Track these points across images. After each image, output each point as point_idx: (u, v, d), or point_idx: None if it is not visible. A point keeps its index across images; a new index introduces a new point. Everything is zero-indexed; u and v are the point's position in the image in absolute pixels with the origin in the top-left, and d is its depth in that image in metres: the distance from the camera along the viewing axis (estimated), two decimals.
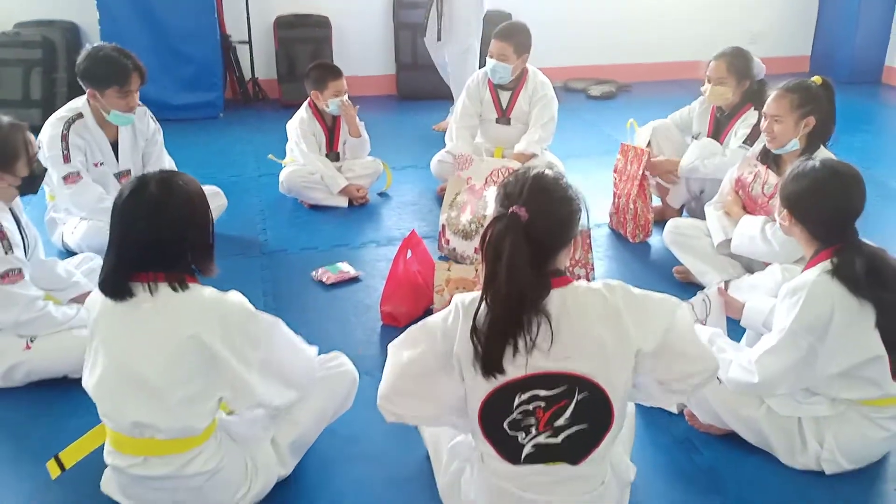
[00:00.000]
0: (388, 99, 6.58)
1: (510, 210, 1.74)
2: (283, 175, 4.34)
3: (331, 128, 4.42)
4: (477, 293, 1.82)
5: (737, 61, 3.84)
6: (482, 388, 1.80)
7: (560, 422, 1.81)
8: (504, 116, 4.46)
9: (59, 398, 2.68)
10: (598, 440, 1.84)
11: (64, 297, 2.86)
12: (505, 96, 4.44)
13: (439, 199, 4.40)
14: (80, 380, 2.61)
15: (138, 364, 1.95)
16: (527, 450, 1.83)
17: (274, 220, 4.17)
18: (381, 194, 4.52)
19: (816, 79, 3.19)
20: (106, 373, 2.00)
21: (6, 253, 2.55)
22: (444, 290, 3.02)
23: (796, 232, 2.31)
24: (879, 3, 6.82)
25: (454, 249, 3.61)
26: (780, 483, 2.29)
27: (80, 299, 2.88)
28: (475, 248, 3.55)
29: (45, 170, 2.77)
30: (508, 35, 4.26)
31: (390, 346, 1.96)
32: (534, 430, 1.82)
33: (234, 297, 2.03)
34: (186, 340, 1.92)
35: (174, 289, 1.96)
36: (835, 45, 7.12)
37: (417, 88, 6.47)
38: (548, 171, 1.84)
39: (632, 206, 3.84)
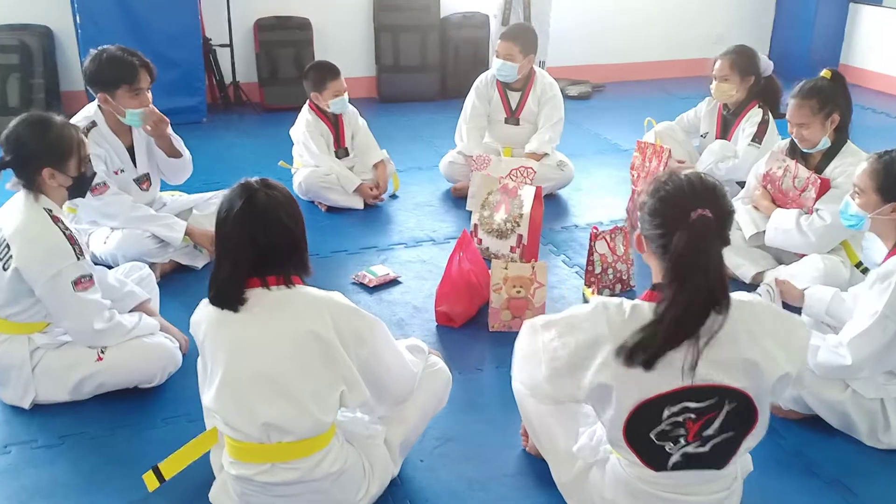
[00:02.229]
0: (370, 101, 6.55)
1: (697, 214, 1.72)
2: (299, 178, 4.29)
3: (335, 125, 4.39)
4: (620, 299, 1.85)
5: (740, 59, 3.98)
6: (631, 398, 1.80)
7: (709, 432, 1.83)
8: (513, 117, 4.51)
9: (135, 409, 2.61)
10: (741, 443, 1.89)
11: (120, 307, 2.77)
12: (514, 97, 4.49)
13: (455, 199, 4.43)
14: (149, 389, 2.61)
15: (262, 364, 1.94)
16: (674, 459, 1.86)
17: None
18: (392, 196, 4.51)
19: (825, 73, 3.34)
20: (228, 381, 1.97)
21: (78, 258, 2.46)
22: (503, 289, 3.05)
23: (892, 219, 2.38)
24: (834, 5, 7.14)
25: (487, 248, 3.64)
26: (868, 461, 2.40)
27: (140, 309, 2.81)
28: (511, 247, 3.59)
29: (95, 173, 2.68)
30: (515, 36, 4.32)
31: (527, 324, 2.04)
32: (682, 441, 1.84)
33: (339, 295, 2.05)
34: (305, 335, 1.93)
35: (287, 288, 1.97)
36: (792, 43, 7.42)
37: (398, 90, 6.47)
38: (689, 171, 1.89)
39: None
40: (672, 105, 6.52)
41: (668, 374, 1.77)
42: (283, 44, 6.15)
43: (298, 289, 2.00)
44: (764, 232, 3.43)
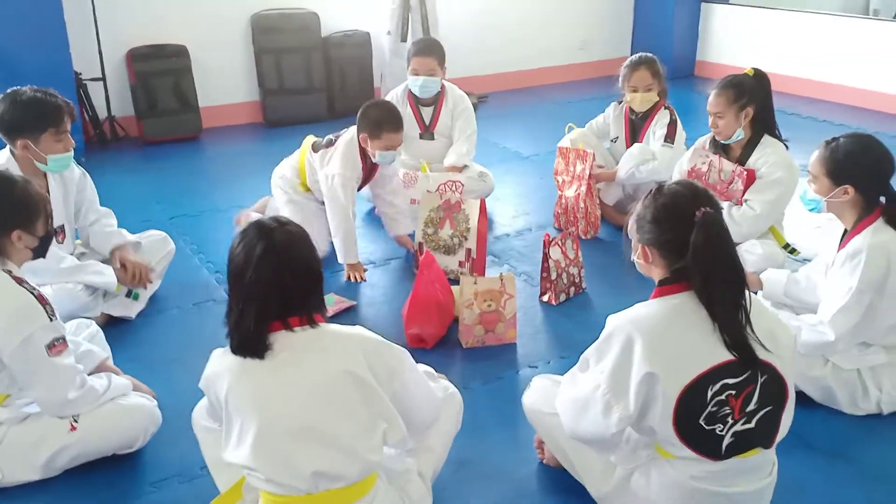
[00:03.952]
0: (256, 126, 6.36)
1: (701, 212, 1.86)
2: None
3: (368, 172, 3.85)
4: (638, 311, 1.95)
5: (657, 66, 4.14)
6: (677, 383, 1.87)
7: (751, 406, 1.92)
8: (427, 131, 4.51)
9: (117, 478, 2.41)
10: (780, 418, 1.98)
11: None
12: (427, 112, 4.48)
13: (379, 219, 4.36)
14: (127, 455, 2.40)
15: (299, 413, 1.84)
16: (727, 440, 1.92)
17: (218, 261, 3.91)
18: None
19: (749, 70, 3.56)
20: (265, 435, 1.84)
21: (51, 319, 2.24)
22: (474, 304, 3.03)
23: (845, 201, 2.56)
24: (687, 6, 7.61)
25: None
26: (855, 429, 2.57)
27: (102, 369, 2.59)
28: (460, 262, 3.58)
29: (55, 231, 2.46)
30: (432, 50, 4.33)
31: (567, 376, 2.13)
32: (730, 420, 1.91)
33: (363, 329, 1.98)
34: (340, 376, 1.85)
35: (312, 328, 1.89)
36: (651, 45, 7.72)
37: (285, 114, 6.31)
38: (672, 181, 2.05)
39: (582, 204, 4.04)
40: (554, 111, 6.76)
41: (706, 352, 1.87)
42: (160, 73, 5.85)
43: (323, 328, 1.91)
44: None
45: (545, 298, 3.43)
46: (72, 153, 3.07)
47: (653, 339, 1.89)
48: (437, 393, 2.16)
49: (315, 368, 1.86)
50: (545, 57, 7.67)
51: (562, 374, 2.38)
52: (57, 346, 2.25)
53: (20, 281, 2.26)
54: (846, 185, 2.52)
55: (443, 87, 4.47)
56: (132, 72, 5.79)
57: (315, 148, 3.83)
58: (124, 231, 3.41)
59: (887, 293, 2.45)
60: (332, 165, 3.67)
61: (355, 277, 3.69)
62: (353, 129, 3.69)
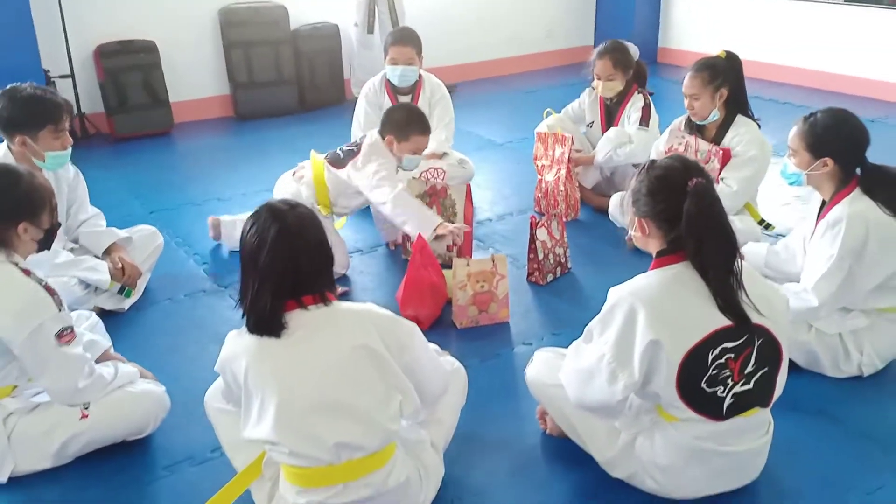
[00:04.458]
0: (228, 120, 6.34)
1: (694, 182, 1.95)
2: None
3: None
4: (639, 282, 2.05)
5: (620, 56, 4.23)
6: (679, 348, 1.97)
7: (749, 368, 2.03)
8: None
9: (128, 463, 2.44)
10: (776, 378, 2.08)
11: None
12: (404, 101, 4.53)
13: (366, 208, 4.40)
14: (135, 441, 2.43)
15: (320, 388, 1.90)
16: (727, 401, 2.03)
17: (203, 252, 3.93)
18: None
19: (721, 53, 3.68)
20: (286, 411, 1.90)
21: (60, 310, 2.25)
22: (467, 286, 3.10)
23: (825, 173, 2.67)
24: None
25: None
26: (837, 391, 2.70)
27: (105, 357, 2.61)
28: (447, 247, 3.64)
29: (60, 224, 2.47)
30: (410, 39, 4.38)
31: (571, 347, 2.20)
32: (730, 381, 2.02)
33: (374, 306, 2.06)
34: (355, 350, 1.92)
35: (325, 306, 1.95)
36: (613, 33, 7.82)
37: (256, 107, 6.30)
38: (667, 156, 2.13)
39: (562, 188, 4.13)
40: (523, 99, 6.85)
41: (705, 318, 1.98)
42: (129, 69, 5.80)
43: (336, 305, 1.98)
44: None
45: (533, 279, 3.51)
46: (69, 151, 3.08)
47: (655, 308, 1.98)
48: (445, 366, 2.23)
49: (331, 343, 1.92)
50: (511, 46, 7.75)
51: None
52: (66, 335, 2.27)
53: (28, 272, 2.28)
54: (825, 158, 2.64)
55: (420, 76, 4.52)
56: (101, 68, 5.74)
57: (335, 163, 3.65)
58: (115, 229, 3.41)
59: (866, 259, 2.58)
60: (370, 165, 3.51)
61: (454, 241, 3.42)
62: (372, 133, 3.64)
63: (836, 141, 2.62)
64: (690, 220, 1.95)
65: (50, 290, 2.26)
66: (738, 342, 2.00)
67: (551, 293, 3.46)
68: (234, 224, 3.84)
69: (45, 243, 2.40)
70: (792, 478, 2.30)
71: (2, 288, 2.23)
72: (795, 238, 2.99)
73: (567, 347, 2.48)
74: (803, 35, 6.80)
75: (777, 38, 6.99)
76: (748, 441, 2.12)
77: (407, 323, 2.06)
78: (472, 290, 3.11)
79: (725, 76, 3.57)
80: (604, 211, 4.20)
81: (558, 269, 3.57)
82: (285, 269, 1.90)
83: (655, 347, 1.96)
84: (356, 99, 6.50)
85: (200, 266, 3.78)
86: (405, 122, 3.53)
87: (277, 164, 5.11)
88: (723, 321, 1.97)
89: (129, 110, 5.84)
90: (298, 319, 1.93)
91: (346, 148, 3.70)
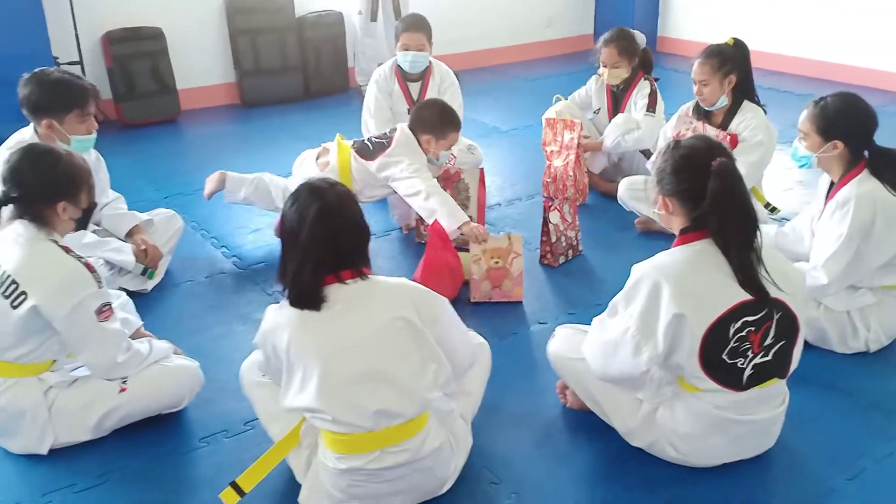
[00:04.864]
0: (233, 108, 6.40)
1: (717, 162, 2.04)
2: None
3: None
4: (663, 258, 2.13)
5: (625, 43, 4.31)
6: (703, 322, 2.06)
7: (768, 341, 2.12)
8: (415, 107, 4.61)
9: (165, 435, 2.52)
10: (793, 350, 2.18)
11: None
12: (414, 88, 4.60)
13: None
14: (169, 415, 2.51)
15: (361, 357, 1.99)
16: (748, 372, 2.13)
17: (220, 236, 4.00)
18: None
19: (729, 41, 3.76)
20: (329, 380, 1.98)
21: (99, 286, 2.33)
22: (482, 260, 3.20)
23: (834, 155, 2.76)
24: None
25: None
26: (845, 365, 2.81)
27: (138, 335, 2.69)
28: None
29: (96, 203, 2.53)
30: (420, 26, 4.44)
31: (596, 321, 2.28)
32: (750, 353, 2.11)
33: (407, 280, 2.15)
34: (393, 321, 2.01)
35: (363, 280, 2.04)
36: (613, 22, 7.92)
37: (262, 94, 6.36)
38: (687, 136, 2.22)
39: (571, 173, 4.21)
40: (524, 87, 6.94)
41: (728, 293, 2.07)
42: (137, 56, 5.86)
43: (373, 279, 2.07)
44: None
45: (546, 261, 3.60)
46: (94, 136, 3.13)
47: (679, 283, 2.07)
48: (472, 339, 2.31)
49: (370, 315, 2.01)
50: (513, 35, 7.83)
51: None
52: (105, 311, 2.35)
53: (68, 250, 2.35)
54: (835, 141, 2.73)
55: (430, 62, 4.59)
56: (108, 55, 5.79)
57: (363, 153, 3.70)
58: (136, 212, 3.48)
59: (873, 238, 2.68)
60: (404, 159, 3.57)
61: (476, 237, 3.31)
62: (402, 127, 3.68)
63: (845, 124, 2.71)
64: (714, 198, 2.04)
65: (90, 268, 2.33)
66: (758, 316, 2.09)
67: (564, 274, 3.55)
68: (240, 181, 3.85)
69: (82, 222, 2.47)
70: (805, 446, 2.40)
71: (44, 264, 2.30)
72: (803, 220, 3.08)
73: (577, 325, 2.59)
74: (802, 24, 6.90)
75: (776, 28, 7.08)
76: (765, 411, 2.22)
77: (439, 296, 2.15)
78: (485, 264, 3.20)
79: (734, 63, 3.65)
80: (611, 196, 4.29)
81: (570, 252, 3.66)
82: (325, 245, 1.98)
83: (680, 321, 2.05)
84: (360, 87, 6.66)
85: (219, 249, 3.85)
86: (441, 122, 3.60)
87: (286, 151, 5.20)
88: (744, 295, 2.07)
89: (137, 97, 5.90)
90: (337, 293, 2.01)
91: (375, 140, 3.73)
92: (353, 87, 6.78)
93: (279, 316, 2.05)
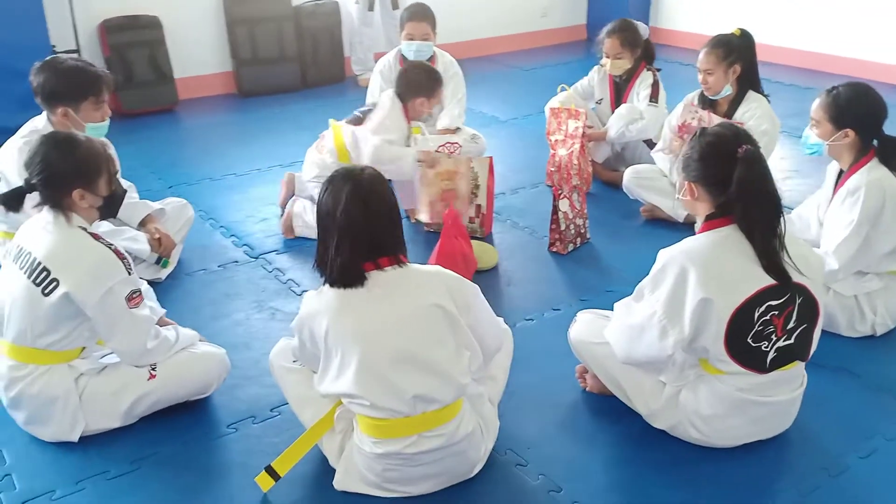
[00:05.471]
0: (231, 97, 6.39)
1: (743, 149, 2.10)
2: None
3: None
4: (689, 244, 2.19)
5: (628, 35, 4.35)
6: (728, 305, 2.12)
7: (791, 324, 2.19)
8: None
9: (193, 421, 2.55)
10: (813, 333, 2.25)
11: None
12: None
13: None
14: (195, 402, 2.54)
15: (400, 343, 2.03)
16: (771, 355, 2.19)
17: (229, 225, 4.02)
18: None
19: (735, 31, 3.83)
20: (368, 364, 2.02)
21: (129, 273, 2.35)
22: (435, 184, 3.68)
23: (846, 143, 2.81)
24: None
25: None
26: (854, 349, 2.89)
27: (162, 323, 2.71)
28: (470, 218, 3.77)
29: (126, 191, 2.55)
30: (425, 15, 4.47)
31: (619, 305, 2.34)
32: (773, 337, 2.18)
33: (441, 268, 2.19)
34: (430, 308, 2.05)
35: (400, 267, 2.08)
36: (606, 12, 8.02)
37: (259, 84, 6.36)
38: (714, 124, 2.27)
39: (575, 161, 4.26)
40: (521, 77, 6.97)
41: (753, 277, 2.13)
42: (135, 44, 5.84)
43: (410, 266, 2.11)
44: None
45: (555, 249, 3.66)
46: (108, 123, 3.14)
47: (706, 268, 2.12)
48: (501, 325, 2.36)
49: (408, 301, 2.05)
50: (508, 25, 7.85)
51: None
52: (135, 298, 2.37)
53: (96, 237, 2.37)
54: (847, 129, 2.80)
55: (434, 52, 4.61)
56: (106, 44, 5.77)
57: (356, 124, 3.87)
58: (148, 201, 3.49)
59: (882, 225, 2.75)
60: (377, 132, 3.74)
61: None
62: (389, 93, 3.84)
63: (857, 113, 2.78)
64: (741, 184, 2.09)
65: (119, 254, 2.35)
66: (781, 300, 2.15)
67: (573, 262, 3.60)
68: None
69: (108, 211, 2.48)
70: (819, 426, 2.47)
71: (76, 251, 2.32)
72: (809, 207, 3.16)
73: (598, 310, 2.65)
74: (794, 15, 6.98)
75: (767, 19, 7.15)
76: (786, 392, 2.29)
77: (471, 284, 2.18)
78: (437, 188, 3.63)
79: (739, 53, 3.72)
80: (614, 184, 4.36)
81: (578, 240, 3.71)
82: (361, 225, 2.01)
83: (706, 305, 2.11)
84: (356, 76, 6.67)
85: (229, 238, 3.87)
86: (430, 81, 3.83)
87: (286, 141, 5.24)
88: (768, 280, 2.13)
89: (136, 86, 5.88)
90: (376, 279, 2.05)
91: (364, 109, 3.90)
92: (348, 77, 6.79)
93: (318, 302, 2.08)
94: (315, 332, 2.07)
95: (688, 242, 2.21)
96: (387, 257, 2.07)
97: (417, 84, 3.79)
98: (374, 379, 2.03)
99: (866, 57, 6.56)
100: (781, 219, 2.16)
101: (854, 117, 2.78)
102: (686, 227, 3.81)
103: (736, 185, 2.10)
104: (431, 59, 4.61)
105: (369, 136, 3.75)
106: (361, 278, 2.03)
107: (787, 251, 2.16)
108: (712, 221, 2.21)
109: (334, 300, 2.05)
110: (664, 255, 2.21)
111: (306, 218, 3.78)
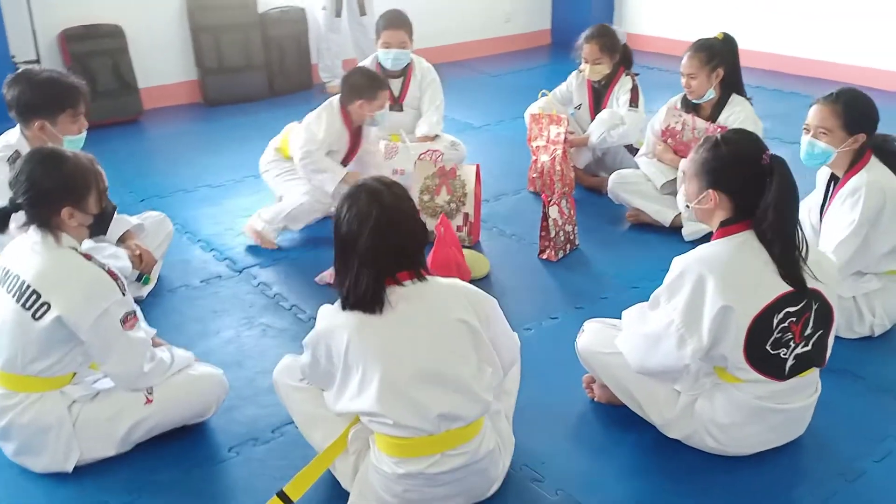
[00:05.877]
0: (197, 107, 6.24)
1: (767, 156, 2.10)
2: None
3: (354, 142, 3.97)
4: (706, 251, 2.17)
5: (606, 41, 4.33)
6: (748, 312, 2.10)
7: (808, 331, 2.18)
8: (397, 103, 4.58)
9: (191, 446, 2.45)
10: (828, 338, 2.24)
11: None
12: (395, 84, 4.56)
13: None
14: (192, 426, 2.44)
15: (423, 359, 1.97)
16: (790, 362, 2.18)
17: (207, 238, 3.91)
18: None
19: (718, 35, 3.84)
20: (390, 383, 1.95)
21: (123, 294, 2.25)
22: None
23: (847, 146, 2.79)
24: None
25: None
26: (854, 350, 2.89)
27: (154, 344, 2.59)
28: (458, 227, 3.72)
29: (115, 208, 2.44)
30: (401, 23, 4.42)
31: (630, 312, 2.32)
32: (792, 344, 2.16)
33: (459, 280, 2.14)
34: (454, 323, 1.99)
35: (420, 282, 2.02)
36: (570, 17, 8.08)
37: (225, 93, 6.22)
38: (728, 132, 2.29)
39: (558, 167, 4.23)
40: (489, 82, 6.95)
41: (771, 284, 2.11)
42: (96, 54, 5.67)
43: (430, 280, 2.04)
44: (673, 180, 3.86)
45: (545, 256, 3.62)
46: (84, 135, 3.02)
47: (725, 275, 2.10)
48: (516, 338, 2.31)
49: (431, 317, 1.99)
50: (474, 30, 7.82)
51: (581, 324, 2.59)
52: (130, 320, 2.27)
53: (88, 257, 2.26)
54: (858, 134, 2.79)
55: (411, 59, 4.56)
56: (67, 53, 5.59)
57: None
58: (126, 217, 3.36)
59: (881, 225, 2.77)
60: (303, 131, 3.81)
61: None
62: (331, 100, 3.83)
63: (868, 117, 2.79)
64: (780, 191, 2.06)
65: (113, 275, 2.25)
66: (798, 306, 2.14)
67: (564, 269, 3.57)
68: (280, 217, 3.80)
69: (98, 228, 2.37)
70: (830, 430, 2.47)
71: (66, 273, 2.21)
72: (801, 212, 3.16)
73: (604, 319, 2.61)
74: (758, 18, 7.06)
75: (734, 22, 7.22)
76: (801, 399, 2.27)
77: (489, 297, 2.13)
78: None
79: (722, 57, 3.73)
80: (595, 189, 4.35)
81: (568, 246, 3.68)
82: (386, 249, 1.95)
83: (726, 313, 2.08)
84: (323, 84, 6.57)
85: (209, 252, 3.76)
86: (369, 84, 3.76)
87: (256, 150, 5.06)
88: (785, 287, 2.11)
89: (99, 97, 5.68)
90: (397, 294, 1.98)
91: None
92: (316, 84, 6.69)
93: (336, 317, 2.00)
94: (333, 348, 2.00)
95: (704, 249, 2.19)
96: (407, 272, 2.01)
97: (356, 87, 3.75)
98: (398, 397, 1.96)
99: (835, 59, 6.66)
100: (799, 226, 2.14)
101: (868, 122, 2.79)
102: (672, 231, 3.81)
103: (775, 191, 2.07)
104: (409, 66, 4.56)
105: (298, 140, 3.79)
106: (381, 304, 1.96)
107: (803, 257, 2.14)
108: (728, 227, 2.18)
109: (354, 317, 1.97)
110: (680, 262, 2.18)
111: (265, 218, 3.77)
